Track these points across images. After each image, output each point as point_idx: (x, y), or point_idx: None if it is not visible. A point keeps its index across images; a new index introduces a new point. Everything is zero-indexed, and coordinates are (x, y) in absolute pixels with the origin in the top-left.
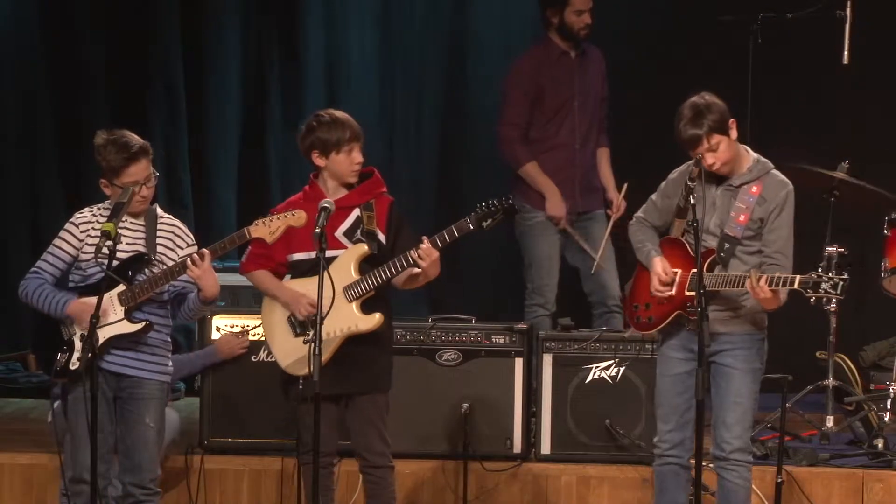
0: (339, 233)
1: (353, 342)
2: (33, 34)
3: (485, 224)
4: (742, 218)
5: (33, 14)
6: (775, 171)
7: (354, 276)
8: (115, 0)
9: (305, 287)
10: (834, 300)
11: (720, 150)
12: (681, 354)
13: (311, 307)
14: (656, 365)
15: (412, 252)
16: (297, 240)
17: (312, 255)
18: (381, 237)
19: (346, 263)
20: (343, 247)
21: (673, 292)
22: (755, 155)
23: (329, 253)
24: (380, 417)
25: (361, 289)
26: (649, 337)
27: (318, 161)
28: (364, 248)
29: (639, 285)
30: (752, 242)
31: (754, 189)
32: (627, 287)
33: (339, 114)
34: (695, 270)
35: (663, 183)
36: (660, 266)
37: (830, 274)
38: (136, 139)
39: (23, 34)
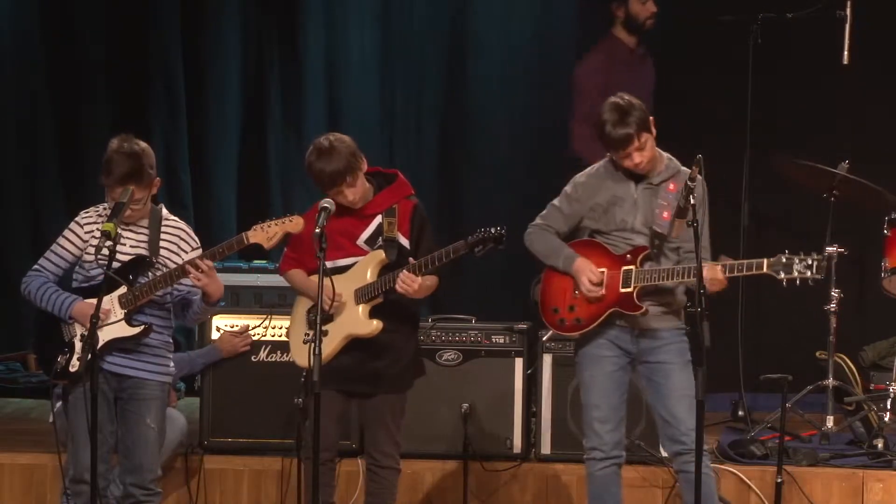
0: (361, 241)
1: (374, 344)
2: (33, 34)
3: (476, 250)
4: (665, 214)
5: (33, 14)
6: (686, 169)
7: (369, 280)
8: (115, 0)
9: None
10: (810, 282)
11: (647, 147)
12: (610, 353)
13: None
14: (579, 366)
15: (399, 276)
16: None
17: (338, 262)
18: (404, 242)
19: (364, 268)
20: (364, 253)
21: (603, 291)
22: (666, 154)
23: (351, 260)
24: (393, 419)
25: (370, 293)
26: None
27: None
28: (382, 255)
29: (552, 289)
30: (672, 238)
31: (671, 186)
32: (536, 292)
33: (319, 163)
34: (626, 268)
35: (569, 187)
36: (588, 267)
37: (801, 254)
38: (137, 165)
39: (23, 34)
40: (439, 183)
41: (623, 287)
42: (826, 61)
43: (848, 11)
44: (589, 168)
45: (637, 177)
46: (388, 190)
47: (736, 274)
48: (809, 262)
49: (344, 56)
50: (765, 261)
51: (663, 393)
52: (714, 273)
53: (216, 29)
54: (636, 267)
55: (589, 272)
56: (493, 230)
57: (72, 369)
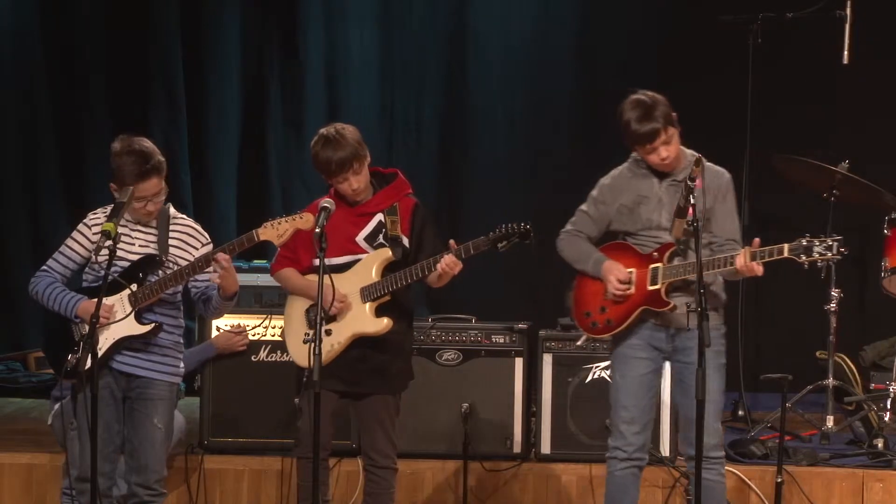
0: (361, 238)
1: (371, 343)
2: (33, 34)
3: (500, 245)
4: (691, 211)
5: (33, 14)
6: (709, 163)
7: (375, 278)
8: (115, 1)
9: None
10: (831, 262)
11: (673, 142)
12: (643, 354)
13: (337, 302)
14: (612, 367)
15: (440, 261)
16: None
17: (335, 260)
18: (405, 241)
19: (368, 266)
20: (363, 251)
21: (632, 290)
22: (688, 150)
23: (349, 258)
24: (389, 418)
25: (378, 291)
26: None
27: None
28: (388, 253)
29: (584, 293)
30: (702, 233)
31: (696, 181)
32: (569, 298)
33: (326, 152)
34: (653, 265)
35: (595, 191)
36: (615, 267)
37: (821, 236)
38: (152, 155)
39: (23, 34)
40: (439, 183)
41: (651, 284)
42: (826, 61)
43: (848, 11)
44: (613, 170)
45: (661, 174)
46: (388, 188)
47: (766, 259)
48: (829, 242)
49: (344, 56)
50: (785, 246)
51: (689, 394)
52: (744, 261)
53: (216, 29)
54: (663, 264)
55: (617, 271)
56: (517, 226)
57: (79, 368)
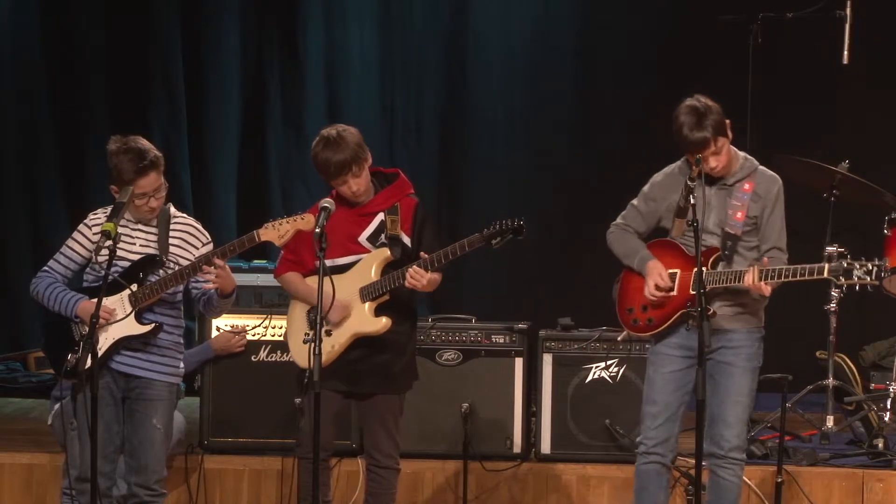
0: (363, 238)
1: (372, 343)
2: (33, 34)
3: (494, 242)
4: (739, 215)
5: (33, 14)
6: (763, 168)
7: (374, 278)
8: (115, 1)
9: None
10: (869, 287)
11: (723, 152)
12: (678, 353)
13: (340, 308)
14: (648, 363)
15: (408, 271)
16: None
17: (339, 260)
18: (406, 240)
19: (368, 265)
20: (366, 251)
21: (675, 293)
22: (742, 153)
23: (352, 258)
24: (392, 418)
25: (376, 290)
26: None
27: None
28: (387, 252)
29: (629, 289)
30: (750, 238)
31: (746, 186)
32: (615, 291)
33: (326, 153)
34: (696, 269)
35: (646, 187)
36: (657, 270)
37: (863, 259)
38: (148, 151)
39: (23, 34)
40: (439, 183)
41: (692, 289)
42: (826, 61)
43: (848, 11)
44: (666, 167)
45: (712, 178)
46: (390, 188)
47: (797, 279)
48: (870, 266)
49: (344, 56)
50: (826, 266)
51: (720, 393)
52: (752, 280)
53: (216, 29)
54: (707, 268)
55: (657, 276)
56: (511, 222)
57: (80, 368)
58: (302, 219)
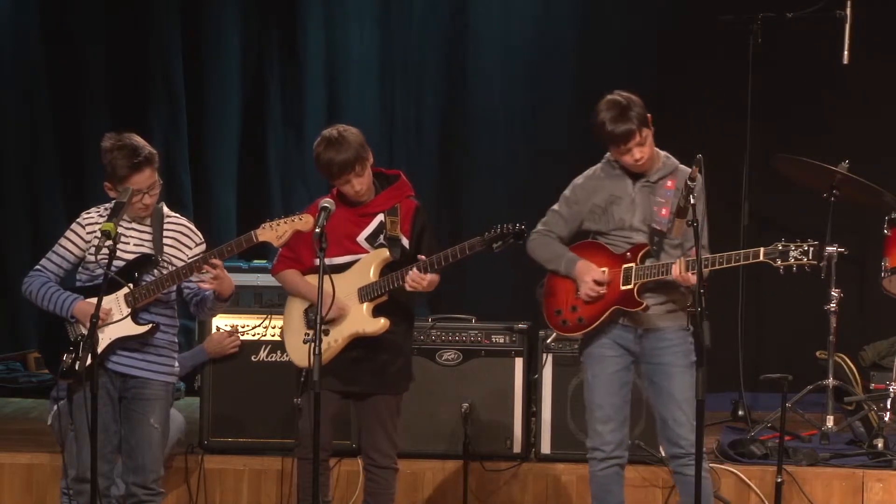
0: (362, 238)
1: (369, 343)
2: (33, 34)
3: (495, 245)
4: (664, 212)
5: (33, 14)
6: (683, 166)
7: (373, 278)
8: (115, 1)
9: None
10: (807, 268)
11: (647, 143)
12: (614, 352)
13: (336, 308)
14: (584, 367)
15: (407, 274)
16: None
17: (336, 259)
18: (405, 242)
19: (366, 266)
20: (364, 251)
21: (604, 290)
22: (663, 152)
23: (351, 258)
24: (390, 418)
25: (375, 291)
26: None
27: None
28: (386, 253)
29: (556, 291)
30: (673, 237)
31: (669, 183)
32: (540, 295)
33: (328, 153)
34: (626, 265)
35: (567, 190)
36: (590, 268)
37: (797, 240)
38: (143, 147)
39: (23, 34)
40: (439, 183)
41: (623, 284)
42: (826, 61)
43: (848, 11)
44: (587, 170)
45: (634, 175)
46: (391, 189)
47: (733, 265)
48: (805, 247)
49: (344, 56)
50: (761, 249)
51: (665, 395)
52: (679, 271)
53: (216, 29)
54: (636, 264)
55: (595, 273)
56: (512, 226)
57: (78, 368)
58: (300, 219)
